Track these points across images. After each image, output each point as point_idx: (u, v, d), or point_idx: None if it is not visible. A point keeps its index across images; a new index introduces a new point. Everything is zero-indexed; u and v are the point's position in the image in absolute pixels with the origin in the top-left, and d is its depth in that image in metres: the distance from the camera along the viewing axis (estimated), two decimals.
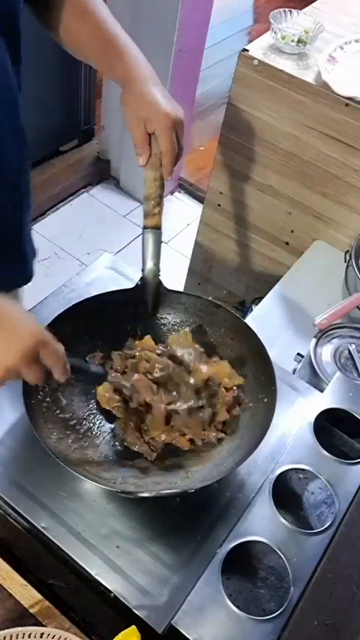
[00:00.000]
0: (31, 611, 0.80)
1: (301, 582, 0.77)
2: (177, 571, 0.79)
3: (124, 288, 1.00)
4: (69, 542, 0.80)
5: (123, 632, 0.71)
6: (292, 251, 1.72)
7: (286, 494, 0.89)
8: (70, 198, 2.86)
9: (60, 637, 0.73)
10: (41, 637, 0.73)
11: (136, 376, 0.91)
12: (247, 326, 0.95)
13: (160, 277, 0.98)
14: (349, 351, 1.21)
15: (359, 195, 1.51)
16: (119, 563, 0.79)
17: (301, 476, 0.89)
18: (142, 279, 0.98)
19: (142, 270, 0.98)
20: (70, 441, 0.86)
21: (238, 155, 1.66)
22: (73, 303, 0.95)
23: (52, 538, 0.80)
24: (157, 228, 0.96)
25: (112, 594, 0.77)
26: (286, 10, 1.53)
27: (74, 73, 2.54)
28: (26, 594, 0.81)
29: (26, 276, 1.14)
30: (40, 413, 0.86)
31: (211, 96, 3.46)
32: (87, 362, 0.93)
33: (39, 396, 0.87)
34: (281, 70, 1.45)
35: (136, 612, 0.75)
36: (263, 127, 1.56)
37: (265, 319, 1.42)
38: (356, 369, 1.19)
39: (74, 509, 0.83)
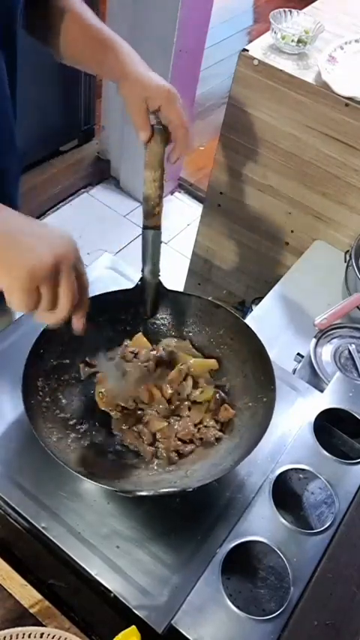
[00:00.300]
0: (31, 611, 0.80)
1: (301, 582, 0.77)
2: (177, 571, 0.79)
3: (124, 288, 1.00)
4: (69, 542, 0.80)
5: (123, 632, 0.71)
6: (292, 251, 1.72)
7: (286, 494, 0.89)
8: (70, 198, 2.86)
9: (60, 637, 0.73)
10: (41, 637, 0.73)
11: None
12: (247, 326, 0.95)
13: (160, 277, 0.98)
14: (349, 351, 1.21)
15: (359, 195, 1.51)
16: (119, 563, 0.79)
17: (301, 476, 0.89)
18: (141, 279, 0.98)
19: (142, 271, 0.98)
20: (69, 440, 0.86)
21: (238, 155, 1.66)
22: None
23: (52, 538, 0.80)
24: (157, 229, 0.96)
25: (112, 594, 0.77)
26: (286, 10, 1.53)
27: (74, 73, 2.54)
28: (26, 594, 0.81)
29: None
30: (40, 413, 0.86)
31: (211, 96, 3.46)
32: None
33: (39, 396, 0.87)
34: (281, 70, 1.45)
35: (136, 612, 0.75)
36: (263, 127, 1.56)
37: (265, 319, 1.42)
38: (356, 369, 1.19)
39: (74, 509, 0.83)
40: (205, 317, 1.00)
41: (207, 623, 0.73)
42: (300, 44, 1.48)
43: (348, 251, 1.45)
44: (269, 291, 1.51)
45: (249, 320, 1.40)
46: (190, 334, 1.01)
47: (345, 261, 1.46)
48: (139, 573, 0.78)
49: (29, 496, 0.83)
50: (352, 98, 1.38)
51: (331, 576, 0.79)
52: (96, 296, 0.98)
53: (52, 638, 0.73)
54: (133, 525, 0.83)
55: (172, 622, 0.73)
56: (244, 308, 1.88)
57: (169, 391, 0.93)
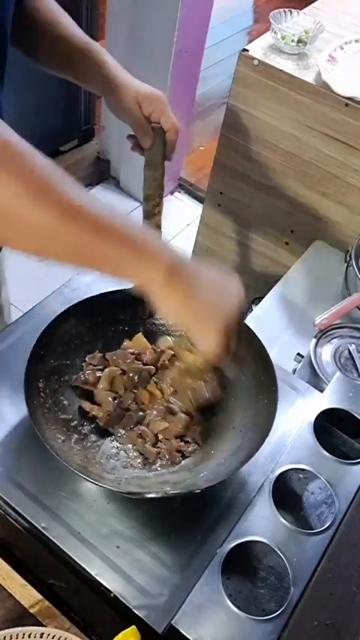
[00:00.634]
0: (31, 611, 0.80)
1: (301, 582, 0.77)
2: (177, 571, 0.79)
3: (123, 288, 1.00)
4: (69, 543, 0.80)
5: (123, 632, 0.71)
6: (292, 251, 1.72)
7: (286, 494, 0.89)
8: None
9: (60, 637, 0.73)
10: (41, 637, 0.73)
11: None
12: (247, 327, 0.95)
13: None
14: (349, 351, 1.21)
15: (359, 196, 1.51)
16: (119, 563, 0.79)
17: (301, 476, 0.89)
18: None
19: None
20: (72, 442, 0.86)
21: (238, 155, 1.66)
22: (73, 303, 0.95)
23: (52, 538, 0.80)
24: (158, 228, 0.96)
25: (112, 594, 0.77)
26: (286, 10, 1.53)
27: None
28: (26, 594, 0.81)
29: None
30: (42, 414, 0.85)
31: (211, 96, 3.46)
32: None
33: (40, 398, 0.87)
34: (281, 70, 1.45)
35: (136, 612, 0.75)
36: (263, 127, 1.56)
37: (265, 319, 1.42)
38: (356, 369, 1.19)
39: (74, 509, 0.83)
40: None
41: (207, 623, 0.73)
42: (300, 44, 1.48)
43: (348, 251, 1.45)
44: (269, 291, 1.50)
45: (249, 320, 1.40)
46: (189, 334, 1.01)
47: (345, 261, 1.46)
48: (139, 573, 0.78)
49: (29, 496, 0.83)
50: (352, 98, 1.38)
51: (331, 576, 0.79)
52: (95, 296, 0.98)
53: (52, 638, 0.73)
54: (133, 525, 0.83)
55: (172, 622, 0.73)
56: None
57: (170, 391, 0.93)
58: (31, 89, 2.09)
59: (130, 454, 0.89)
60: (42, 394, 0.87)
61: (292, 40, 1.48)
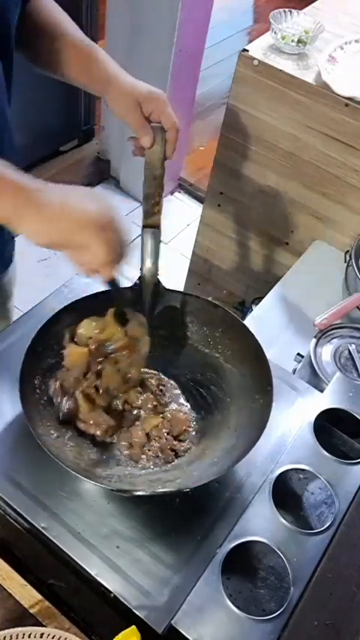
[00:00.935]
0: (31, 611, 0.80)
1: (301, 582, 0.77)
2: (177, 571, 0.79)
3: (124, 286, 1.00)
4: (69, 542, 0.80)
5: (123, 632, 0.71)
6: (292, 251, 1.72)
7: (286, 494, 0.89)
8: None
9: (60, 637, 0.73)
10: (41, 637, 0.73)
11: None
12: (245, 326, 0.95)
13: (159, 277, 0.98)
14: (349, 351, 1.21)
15: (359, 196, 1.51)
16: (119, 563, 0.79)
17: (301, 476, 0.89)
18: (140, 278, 0.98)
19: (141, 270, 0.97)
20: (66, 438, 0.86)
21: (238, 155, 1.66)
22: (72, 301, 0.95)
23: (52, 538, 0.80)
24: (157, 228, 0.96)
25: (112, 594, 0.77)
26: (286, 10, 1.53)
27: None
28: (26, 594, 0.81)
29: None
30: (37, 411, 0.86)
31: (211, 96, 3.46)
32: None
33: (36, 394, 0.87)
34: (281, 70, 1.45)
35: (136, 612, 0.75)
36: (263, 127, 1.56)
37: (265, 319, 1.42)
38: (356, 369, 1.19)
39: (74, 509, 0.83)
40: (203, 317, 1.00)
41: (207, 623, 0.73)
42: (300, 44, 1.48)
43: (348, 251, 1.45)
44: (269, 291, 1.51)
45: (249, 320, 1.40)
46: (189, 334, 1.01)
47: (345, 261, 1.46)
48: (139, 573, 0.78)
49: (29, 496, 0.83)
50: (352, 98, 1.38)
51: (331, 576, 0.79)
52: (94, 294, 0.98)
53: (52, 638, 0.73)
54: (133, 525, 0.83)
55: (172, 622, 0.73)
56: (244, 308, 1.88)
57: (155, 383, 0.93)
58: (31, 89, 2.09)
59: (124, 452, 0.89)
60: (38, 391, 0.88)
61: (292, 40, 1.48)
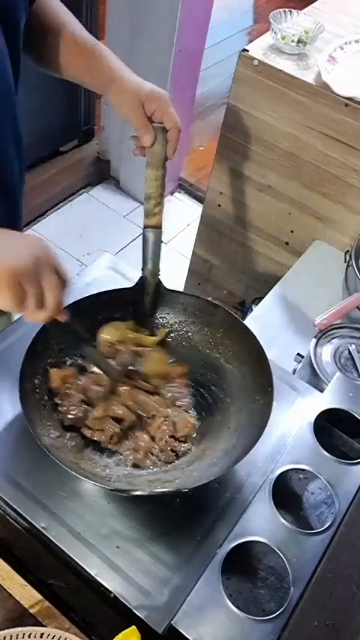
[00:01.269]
0: (31, 611, 0.80)
1: (301, 582, 0.77)
2: (177, 571, 0.79)
3: (122, 287, 1.00)
4: (69, 543, 0.80)
5: (123, 632, 0.71)
6: (292, 251, 1.72)
7: (286, 494, 0.89)
8: (70, 198, 2.86)
9: (60, 637, 0.73)
10: (41, 637, 0.73)
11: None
12: (246, 327, 0.95)
13: (160, 277, 0.98)
14: (349, 351, 1.21)
15: (359, 196, 1.51)
16: (119, 563, 0.79)
17: (301, 476, 0.89)
18: (141, 278, 0.98)
19: (142, 270, 0.98)
20: (66, 438, 0.86)
21: (238, 155, 1.66)
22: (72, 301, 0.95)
23: (52, 538, 0.80)
24: (158, 228, 0.96)
25: (112, 594, 0.77)
26: (286, 10, 1.53)
27: None
28: (26, 594, 0.81)
29: None
30: (37, 411, 0.86)
31: (211, 96, 3.46)
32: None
33: (36, 394, 0.87)
34: (281, 71, 1.45)
35: (136, 612, 0.75)
36: (263, 127, 1.56)
37: (265, 319, 1.42)
38: (356, 369, 1.19)
39: (74, 509, 0.83)
40: (204, 317, 1.00)
41: (207, 623, 0.73)
42: (300, 44, 1.48)
43: (348, 251, 1.45)
44: (269, 291, 1.51)
45: (249, 320, 1.40)
46: (190, 334, 1.01)
47: (345, 261, 1.46)
48: (139, 573, 0.78)
49: (29, 496, 0.83)
50: (352, 98, 1.38)
51: (331, 576, 0.79)
52: (95, 294, 0.98)
53: (52, 638, 0.73)
54: (133, 525, 0.83)
55: (172, 622, 0.73)
56: (244, 308, 1.88)
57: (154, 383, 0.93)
58: (32, 89, 2.09)
59: (124, 452, 0.89)
60: (38, 390, 0.88)
61: (292, 41, 1.48)
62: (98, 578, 0.77)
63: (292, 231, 1.70)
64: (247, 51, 1.48)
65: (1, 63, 0.86)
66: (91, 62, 0.98)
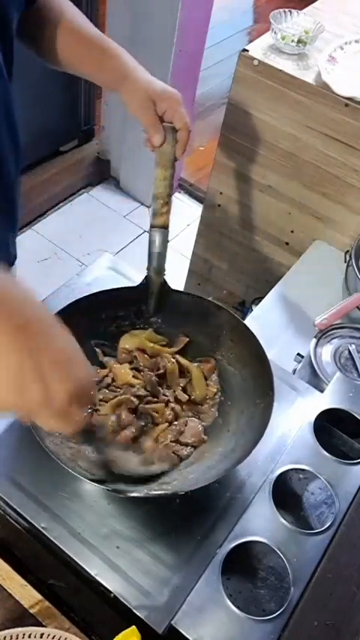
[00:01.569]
0: (31, 611, 0.80)
1: (301, 582, 0.77)
2: (177, 571, 0.79)
3: (126, 286, 1.00)
4: (69, 543, 0.80)
5: (123, 632, 0.71)
6: (292, 251, 1.72)
7: (286, 494, 0.89)
8: (70, 198, 2.86)
9: (60, 637, 0.73)
10: (41, 637, 0.73)
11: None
12: (248, 329, 0.95)
13: (165, 276, 0.98)
14: (349, 351, 1.21)
15: (359, 196, 1.51)
16: (119, 563, 0.79)
17: (301, 476, 0.89)
18: (146, 277, 0.98)
19: (147, 269, 0.97)
20: (67, 440, 0.86)
21: (238, 155, 1.66)
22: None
23: (52, 538, 0.80)
24: (165, 228, 0.96)
25: (112, 594, 0.77)
26: (286, 10, 1.53)
27: None
28: (26, 594, 0.81)
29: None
30: None
31: (211, 96, 3.46)
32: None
33: None
34: (281, 71, 1.45)
35: (136, 612, 0.75)
36: (263, 127, 1.56)
37: (265, 319, 1.42)
38: (356, 369, 1.19)
39: (74, 509, 0.83)
40: (207, 318, 1.00)
41: (207, 623, 0.73)
42: (300, 44, 1.48)
43: (348, 251, 1.45)
44: (269, 291, 1.51)
45: (249, 320, 1.40)
46: (192, 335, 1.01)
47: (345, 261, 1.46)
48: (139, 573, 0.78)
49: (29, 496, 0.83)
50: (352, 98, 1.38)
51: (331, 576, 0.79)
52: (100, 292, 0.98)
53: (52, 638, 0.73)
54: (133, 525, 0.83)
55: (172, 622, 0.73)
56: (244, 308, 1.88)
57: (168, 393, 0.93)
58: (32, 89, 2.09)
59: (126, 453, 0.89)
60: None
61: (292, 41, 1.47)
62: (98, 578, 0.77)
63: (292, 231, 1.70)
64: (247, 51, 1.48)
65: None
66: (103, 58, 0.98)
